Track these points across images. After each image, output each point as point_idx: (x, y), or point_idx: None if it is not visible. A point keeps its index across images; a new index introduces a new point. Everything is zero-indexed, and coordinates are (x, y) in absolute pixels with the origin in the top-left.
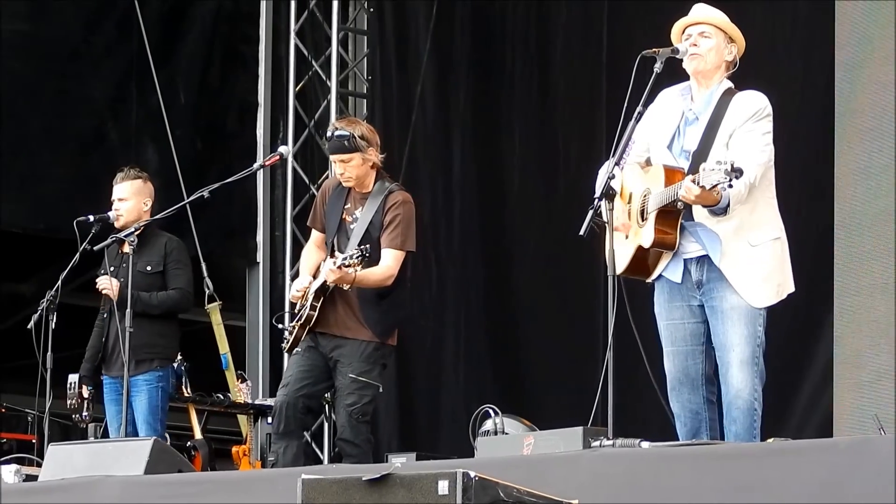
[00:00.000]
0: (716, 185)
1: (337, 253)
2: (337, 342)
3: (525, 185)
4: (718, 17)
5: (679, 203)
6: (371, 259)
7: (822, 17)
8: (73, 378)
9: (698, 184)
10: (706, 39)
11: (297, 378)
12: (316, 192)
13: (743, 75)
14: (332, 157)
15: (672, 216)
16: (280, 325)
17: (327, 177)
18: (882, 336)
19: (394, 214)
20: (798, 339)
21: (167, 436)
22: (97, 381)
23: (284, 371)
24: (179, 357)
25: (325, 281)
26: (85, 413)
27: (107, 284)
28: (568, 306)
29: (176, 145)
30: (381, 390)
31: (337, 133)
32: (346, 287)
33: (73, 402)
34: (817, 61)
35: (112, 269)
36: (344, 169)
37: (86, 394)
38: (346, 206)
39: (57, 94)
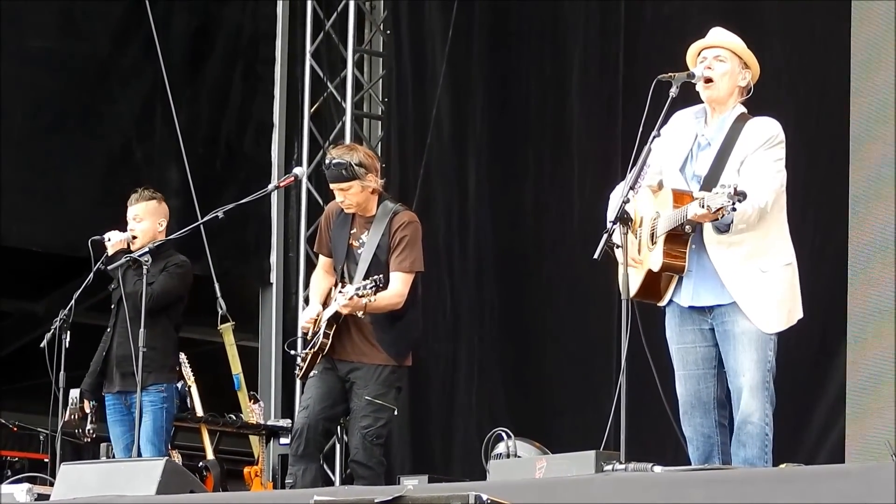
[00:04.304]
0: (721, 208)
1: (348, 286)
2: (353, 366)
3: (540, 208)
4: (734, 41)
5: (687, 227)
6: (383, 285)
7: (839, 44)
8: (74, 393)
9: (704, 206)
10: (721, 63)
11: (318, 400)
12: None
13: (758, 100)
14: (331, 186)
15: (681, 240)
16: (292, 352)
17: None
18: (895, 362)
19: (400, 237)
20: (812, 364)
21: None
22: (98, 397)
23: (303, 394)
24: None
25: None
26: (89, 427)
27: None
28: (582, 330)
29: (197, 164)
30: (395, 413)
31: (334, 161)
32: (359, 315)
33: (74, 416)
34: (833, 88)
35: (122, 286)
36: (344, 197)
37: (87, 409)
38: (352, 232)
39: (84, 112)
